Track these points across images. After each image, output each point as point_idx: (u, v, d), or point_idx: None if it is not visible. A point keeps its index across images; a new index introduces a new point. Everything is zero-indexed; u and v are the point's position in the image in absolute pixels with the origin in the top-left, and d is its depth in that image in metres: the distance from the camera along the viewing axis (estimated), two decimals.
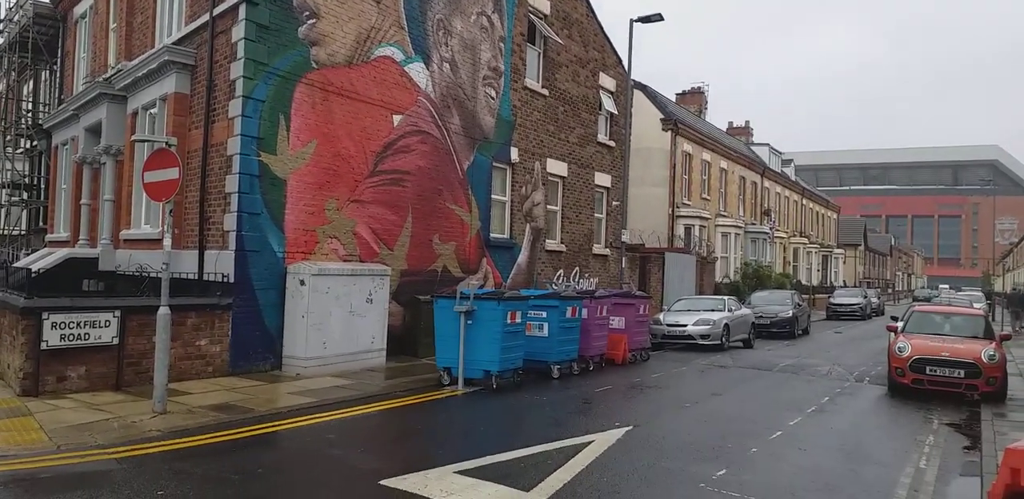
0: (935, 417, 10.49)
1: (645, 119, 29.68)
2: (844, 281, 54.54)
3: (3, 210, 18.97)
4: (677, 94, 42.48)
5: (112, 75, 15.07)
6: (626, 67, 22.30)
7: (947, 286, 74.70)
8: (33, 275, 10.07)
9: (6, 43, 20.74)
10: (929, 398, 11.75)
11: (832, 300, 36.73)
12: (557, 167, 19.59)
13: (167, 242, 9.05)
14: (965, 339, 12.71)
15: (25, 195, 20.22)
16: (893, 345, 12.62)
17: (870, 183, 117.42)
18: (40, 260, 14.41)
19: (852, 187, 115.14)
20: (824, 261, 52.32)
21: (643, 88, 30.92)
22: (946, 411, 10.94)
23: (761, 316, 22.40)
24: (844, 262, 57.67)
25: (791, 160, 51.06)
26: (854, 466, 7.56)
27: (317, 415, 8.95)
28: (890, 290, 73.38)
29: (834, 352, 19.11)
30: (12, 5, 20.22)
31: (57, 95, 20.35)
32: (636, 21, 21.08)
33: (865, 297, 36.94)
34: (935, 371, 11.76)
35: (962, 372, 11.58)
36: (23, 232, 20.24)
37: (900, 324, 13.90)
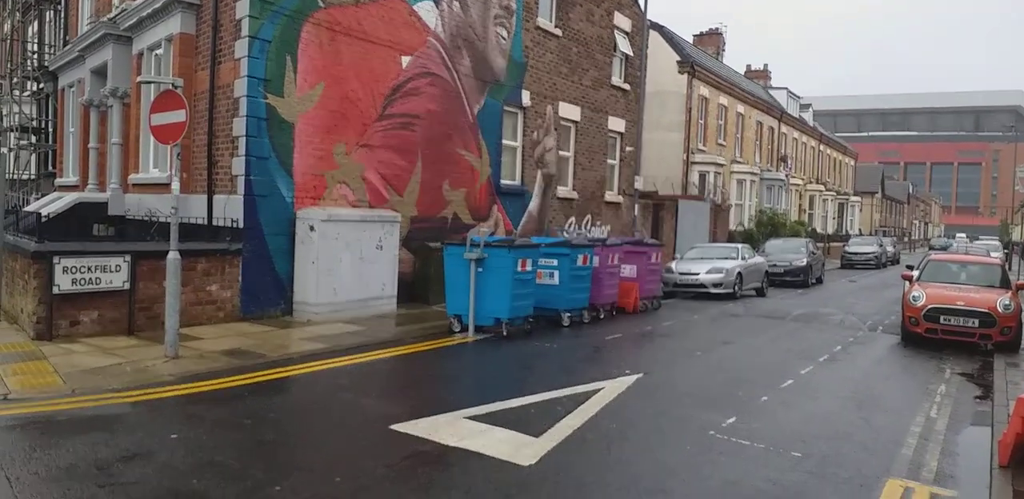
0: (947, 366, 10.44)
1: (661, 61, 28.99)
2: (860, 229, 54.13)
3: (12, 154, 18.86)
4: (694, 35, 41.43)
5: (117, 14, 14.73)
6: (642, 6, 21.67)
7: (964, 235, 74.13)
8: (43, 219, 10.03)
9: None
10: (942, 347, 11.68)
11: (847, 248, 36.48)
12: (570, 111, 19.23)
13: (175, 186, 8.95)
14: (981, 288, 12.56)
15: (33, 139, 20.08)
16: (907, 294, 12.49)
17: (889, 129, 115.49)
18: (50, 204, 14.37)
19: (871, 133, 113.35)
20: (840, 209, 51.85)
21: (659, 29, 30.15)
22: (959, 360, 10.88)
23: (775, 265, 22.27)
24: (860, 210, 57.15)
25: (809, 105, 50.09)
26: (865, 414, 7.53)
27: (329, 360, 8.98)
28: (906, 239, 72.88)
29: (848, 301, 19.03)
30: None
31: (62, 36, 20.00)
32: None
33: (880, 246, 36.66)
34: (949, 320, 11.65)
35: (976, 321, 11.47)
36: (33, 176, 20.18)
37: (915, 273, 13.74)
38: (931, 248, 48.44)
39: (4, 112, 19.69)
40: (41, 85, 20.38)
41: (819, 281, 24.81)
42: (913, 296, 12.19)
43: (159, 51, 13.35)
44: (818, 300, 19.03)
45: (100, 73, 15.37)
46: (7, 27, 21.20)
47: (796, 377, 9.18)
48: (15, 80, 20.40)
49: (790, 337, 12.67)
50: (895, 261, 38.72)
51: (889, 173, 78.10)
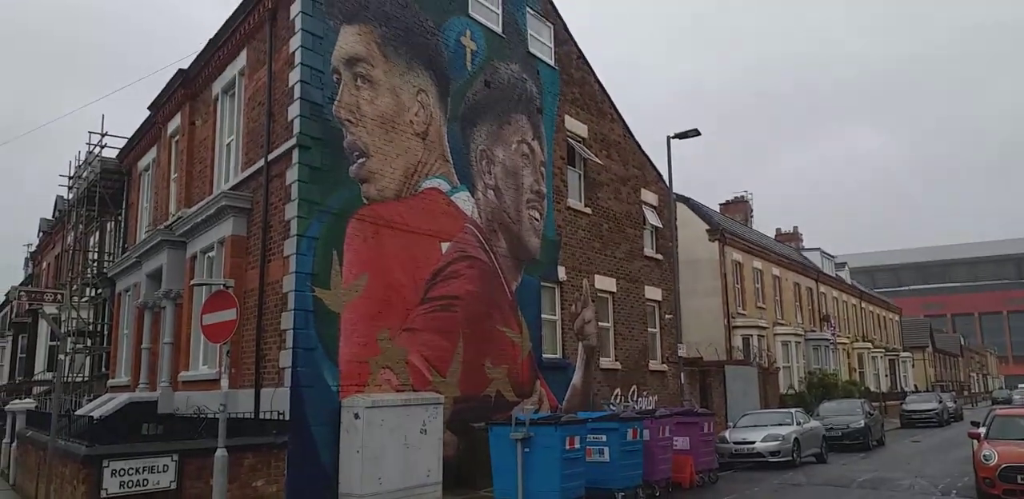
0: None
1: (691, 230, 29.88)
2: (915, 385, 52.25)
3: (68, 358, 19.49)
4: (720, 204, 42.87)
5: (172, 222, 15.85)
6: (667, 182, 22.72)
7: None
8: (94, 422, 10.20)
9: (75, 198, 22.08)
10: None
11: (905, 406, 35.06)
12: (605, 283, 19.63)
13: (224, 383, 9.18)
14: None
15: (89, 342, 20.84)
16: (978, 453, 11.91)
17: (930, 281, 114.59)
18: (101, 406, 14.64)
19: (911, 287, 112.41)
20: (891, 365, 50.41)
21: (686, 200, 31.32)
22: None
23: (832, 428, 21.48)
24: (912, 365, 55.47)
25: (844, 263, 50.46)
26: None
27: None
28: (966, 392, 69.91)
29: (914, 463, 18.06)
30: (81, 163, 21.65)
31: (121, 244, 21.37)
32: (673, 138, 21.67)
33: (940, 401, 35.21)
34: None
35: None
36: (86, 378, 20.70)
37: (982, 430, 13.17)
38: (993, 401, 46.32)
39: (63, 318, 20.59)
40: (99, 291, 21.48)
41: (880, 443, 23.71)
42: (984, 455, 11.63)
43: (211, 253, 14.17)
44: (882, 464, 18.08)
45: (155, 277, 16.23)
46: (70, 238, 22.73)
47: None
48: (75, 288, 21.53)
49: None
50: (958, 417, 37.00)
51: (937, 326, 76.53)
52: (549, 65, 18.90)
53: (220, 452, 8.67)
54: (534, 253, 17.09)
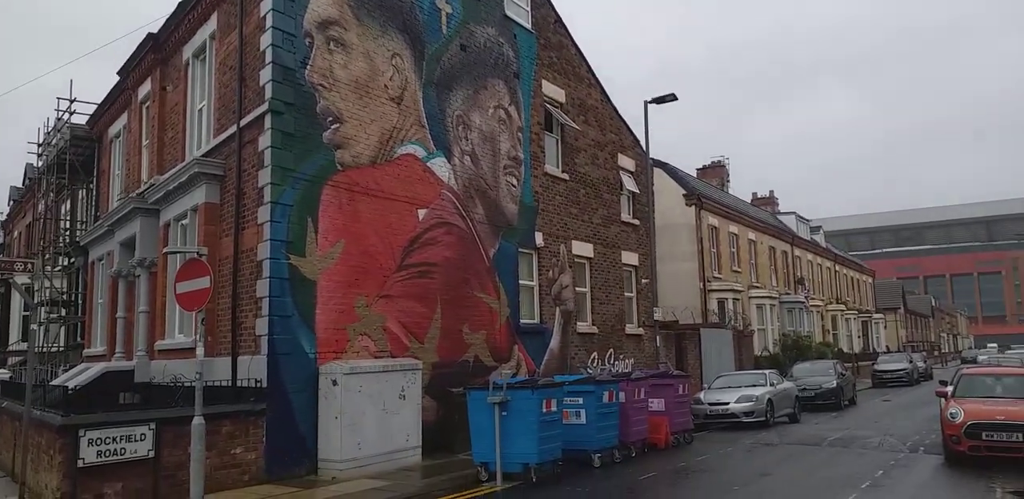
0: (997, 485, 10.05)
1: (668, 196, 29.98)
2: (887, 346, 53.24)
3: (42, 328, 19.32)
4: (697, 169, 42.92)
5: (145, 190, 15.64)
6: (644, 147, 22.70)
7: (995, 345, 72.51)
8: (70, 392, 10.17)
9: (45, 166, 21.67)
10: (989, 465, 11.26)
11: (876, 367, 35.80)
12: (583, 249, 19.69)
13: (200, 351, 9.17)
14: (1019, 400, 12.26)
15: (63, 311, 20.65)
16: (945, 411, 12.21)
17: (903, 244, 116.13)
18: (78, 376, 14.58)
19: (885, 250, 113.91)
20: (864, 327, 51.29)
21: (663, 165, 31.34)
22: (1008, 478, 10.47)
23: (805, 388, 21.89)
24: (885, 326, 56.45)
25: (819, 227, 50.91)
26: None
27: None
28: (936, 352, 71.35)
29: (884, 422, 18.49)
30: (50, 130, 21.22)
31: (93, 213, 21.07)
32: (650, 102, 21.60)
33: (911, 362, 35.97)
34: (992, 436, 11.31)
35: (1020, 435, 11.12)
36: (61, 348, 20.56)
37: (949, 388, 13.48)
38: (963, 361, 47.34)
39: (36, 287, 20.37)
40: (72, 260, 21.22)
41: (852, 402, 24.24)
42: (951, 413, 11.92)
43: (185, 221, 14.03)
44: (853, 422, 18.50)
45: (128, 245, 16.07)
46: (41, 207, 22.38)
47: None
48: (47, 256, 21.27)
49: (829, 464, 12.27)
50: (928, 376, 37.84)
51: (909, 288, 77.75)
52: (526, 29, 18.67)
53: (197, 420, 8.71)
54: (511, 219, 17.07)
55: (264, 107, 12.21)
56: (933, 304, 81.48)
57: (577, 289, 19.23)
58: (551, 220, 18.55)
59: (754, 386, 18.85)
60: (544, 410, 11.03)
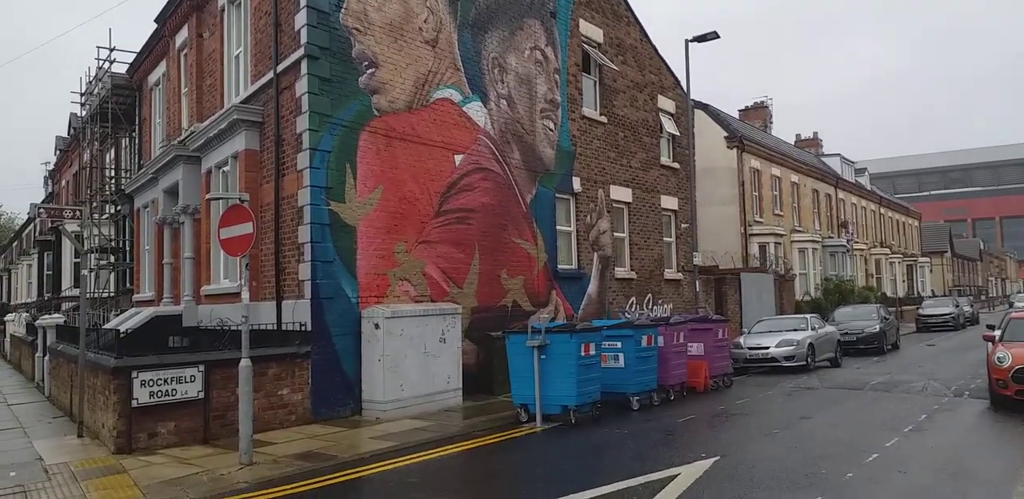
0: None
1: (709, 138, 29.36)
2: (932, 291, 52.45)
3: (92, 274, 19.84)
4: (739, 110, 41.95)
5: (186, 137, 15.76)
6: (685, 88, 22.22)
7: None
8: (121, 335, 10.48)
9: (88, 115, 21.93)
10: None
11: (921, 311, 35.28)
12: (621, 193, 19.51)
13: (245, 295, 9.33)
14: None
15: (112, 258, 21.17)
16: (992, 355, 12.00)
17: (952, 186, 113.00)
18: (128, 320, 15.00)
19: (932, 192, 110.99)
20: (909, 271, 50.46)
21: (704, 107, 30.65)
22: None
23: (847, 333, 21.71)
24: (931, 271, 55.50)
25: (864, 169, 49.70)
26: (960, 487, 7.20)
27: (399, 459, 9.01)
28: (983, 297, 70.18)
29: (928, 366, 18.31)
30: (92, 79, 21.37)
31: (137, 160, 21.37)
32: (691, 41, 21.04)
33: (957, 306, 35.35)
34: None
35: None
36: (111, 294, 21.14)
37: (997, 333, 13.23)
38: (1011, 305, 46.53)
39: (85, 235, 20.86)
40: (118, 207, 21.65)
41: (895, 347, 23.99)
42: (998, 357, 11.71)
43: (226, 168, 14.15)
44: (896, 367, 18.36)
45: (172, 193, 16.29)
46: (86, 156, 22.72)
47: (882, 450, 8.83)
48: (95, 205, 21.69)
49: (870, 408, 12.23)
50: (974, 321, 37.24)
51: (957, 231, 76.06)
52: None
53: (244, 362, 8.93)
54: (548, 164, 16.93)
55: (300, 52, 12.14)
56: (981, 247, 79.72)
57: (615, 234, 19.14)
58: (589, 164, 18.36)
59: (795, 330, 18.74)
60: (582, 353, 11.10)
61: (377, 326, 11.80)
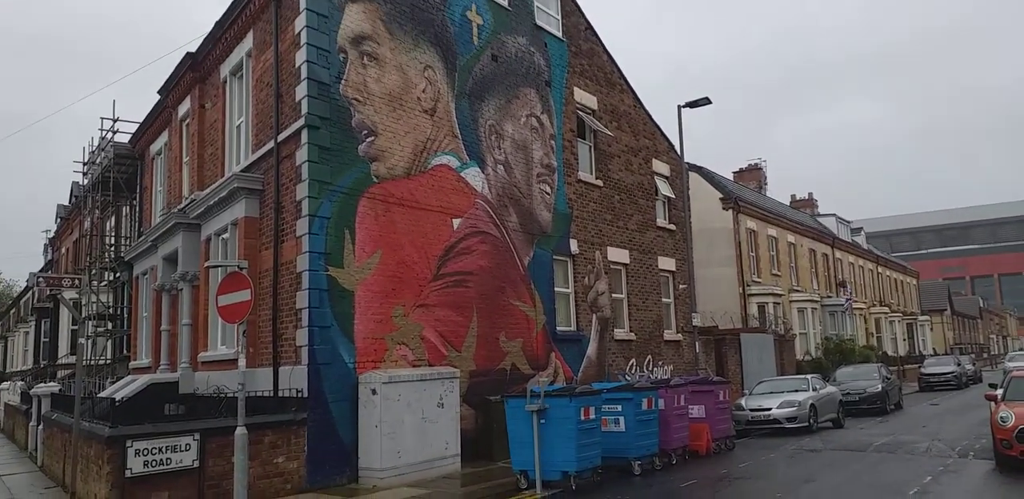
0: None
1: (704, 200, 29.76)
2: (933, 349, 52.15)
3: (89, 341, 19.80)
4: (734, 172, 42.52)
5: (186, 205, 15.97)
6: (679, 151, 22.61)
7: None
8: (116, 404, 10.41)
9: (90, 183, 22.26)
10: None
11: (923, 370, 35.08)
12: (618, 255, 19.65)
13: (242, 362, 9.34)
14: None
15: (109, 325, 21.16)
16: (995, 415, 11.91)
17: (949, 245, 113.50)
18: (123, 388, 14.91)
19: (929, 250, 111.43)
20: (909, 329, 50.31)
21: (699, 169, 31.13)
22: None
23: (848, 393, 21.54)
24: (931, 329, 55.30)
25: (860, 228, 50.14)
26: None
27: None
28: (985, 355, 69.70)
29: (932, 426, 18.11)
30: (95, 148, 21.78)
31: (137, 228, 21.57)
32: (684, 106, 21.52)
33: (959, 364, 35.17)
34: None
35: None
36: (108, 360, 21.04)
37: (999, 391, 13.15)
38: (1007, 363, 46.33)
39: (83, 302, 20.89)
40: (117, 274, 21.74)
41: (898, 406, 23.78)
42: (1001, 417, 11.62)
43: (225, 235, 14.30)
44: (900, 427, 18.16)
45: (171, 260, 16.41)
46: (87, 223, 22.96)
47: None
48: (94, 272, 21.80)
49: (875, 470, 12.06)
50: (977, 379, 36.95)
51: (956, 289, 76.09)
52: (557, 37, 18.75)
53: (240, 430, 8.86)
54: (545, 227, 17.11)
55: (300, 122, 12.43)
56: (981, 305, 79.59)
57: (614, 295, 19.19)
58: (586, 227, 18.55)
59: (796, 391, 18.59)
60: (582, 418, 11.01)
61: (374, 392, 11.73)
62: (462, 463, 12.74)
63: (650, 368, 19.92)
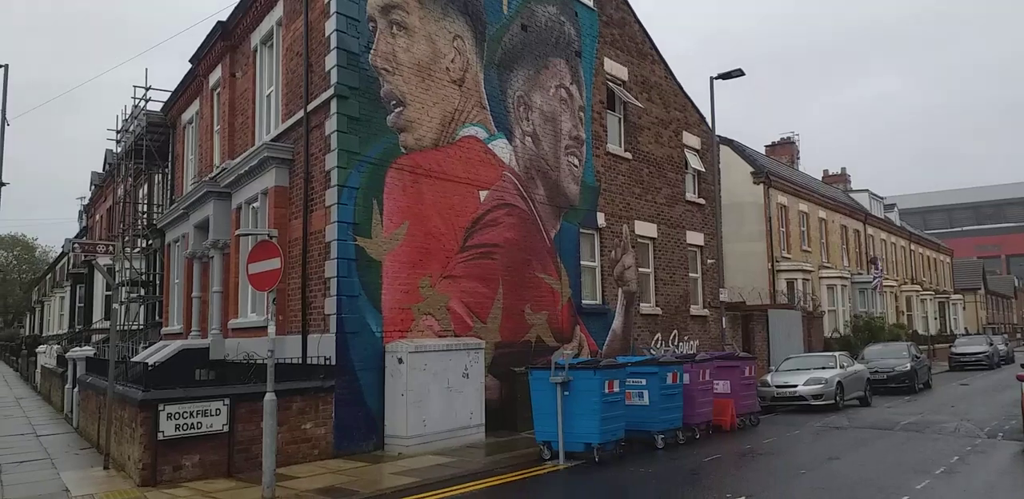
0: None
1: (735, 174, 29.41)
2: (965, 328, 51.52)
3: (123, 307, 20.17)
4: (766, 146, 42.02)
5: (217, 174, 16.09)
6: (709, 124, 22.34)
7: None
8: (149, 368, 10.61)
9: (123, 152, 22.51)
10: None
11: (954, 349, 34.66)
12: (646, 229, 19.54)
13: (271, 329, 9.45)
14: None
15: (142, 291, 21.52)
16: None
17: (984, 222, 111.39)
18: (156, 353, 15.19)
19: (964, 228, 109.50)
20: (941, 308, 49.68)
21: (729, 143, 30.74)
22: None
23: (877, 371, 21.38)
24: (964, 308, 54.59)
25: (894, 205, 49.35)
26: None
27: (421, 495, 8.98)
28: (1019, 335, 68.75)
29: (960, 406, 17.95)
30: (128, 117, 21.97)
31: (169, 196, 21.82)
32: (716, 78, 21.19)
33: (991, 344, 34.68)
34: None
35: None
36: (141, 326, 21.44)
37: None
38: None
39: (117, 269, 21.24)
40: (150, 242, 22.07)
41: (927, 386, 23.58)
42: None
43: (256, 204, 14.41)
44: (927, 407, 18.02)
45: (202, 228, 16.59)
46: (120, 191, 23.25)
47: (911, 493, 8.66)
48: (127, 239, 22.14)
49: (901, 449, 12.00)
50: (1009, 360, 36.46)
51: (990, 268, 74.85)
52: (587, 6, 18.48)
53: (269, 396, 9.00)
54: (573, 200, 17.03)
55: (330, 92, 12.42)
56: (1016, 284, 78.38)
57: (640, 270, 19.12)
58: (613, 200, 18.44)
59: (823, 368, 18.49)
60: (606, 391, 11.04)
61: (401, 360, 11.85)
62: (486, 433, 12.87)
63: (676, 343, 19.89)
